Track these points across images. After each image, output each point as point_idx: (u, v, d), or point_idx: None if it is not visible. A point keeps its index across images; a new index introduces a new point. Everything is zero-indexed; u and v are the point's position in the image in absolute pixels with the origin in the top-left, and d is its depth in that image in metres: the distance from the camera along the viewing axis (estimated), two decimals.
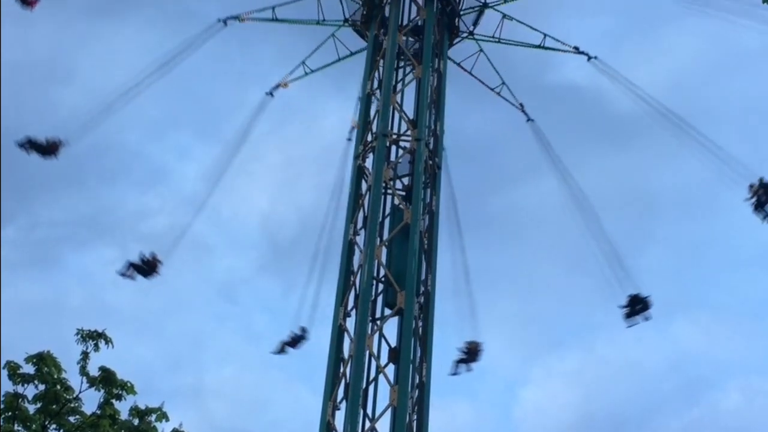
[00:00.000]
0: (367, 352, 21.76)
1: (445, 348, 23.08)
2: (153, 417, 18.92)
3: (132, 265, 24.59)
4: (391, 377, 21.56)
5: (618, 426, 46.39)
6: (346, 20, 27.46)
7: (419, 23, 25.98)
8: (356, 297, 22.57)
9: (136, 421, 18.81)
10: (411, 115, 24.66)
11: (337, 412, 21.48)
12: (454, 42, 27.55)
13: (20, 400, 18.45)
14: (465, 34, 27.78)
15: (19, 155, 25.01)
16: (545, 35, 28.22)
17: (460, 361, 23.42)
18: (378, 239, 22.94)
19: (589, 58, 28.19)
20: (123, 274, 24.62)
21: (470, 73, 28.05)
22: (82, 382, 18.85)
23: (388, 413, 21.08)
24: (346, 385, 21.55)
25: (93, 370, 18.95)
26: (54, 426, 18.55)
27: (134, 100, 26.62)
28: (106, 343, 19.15)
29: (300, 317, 25.44)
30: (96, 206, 51.96)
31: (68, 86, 53.39)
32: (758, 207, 23.94)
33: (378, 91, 24.95)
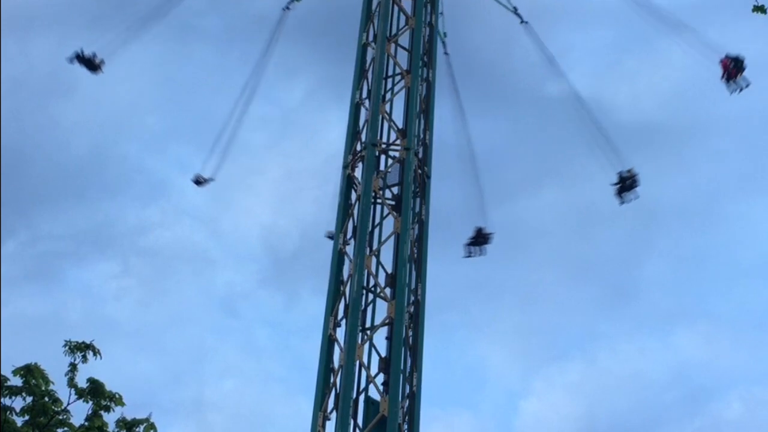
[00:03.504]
0: (358, 362, 21.72)
1: (436, 358, 23.06)
2: (141, 428, 18.86)
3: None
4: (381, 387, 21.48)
5: None
6: None
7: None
8: (346, 307, 22.55)
9: None
10: (400, 124, 24.70)
11: (328, 423, 21.45)
12: None
13: (8, 412, 18.38)
14: None
15: (20, 169, 25.54)
16: None
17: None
18: (367, 249, 22.93)
19: (522, 21, 29.59)
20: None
21: None
22: (70, 394, 18.80)
23: None
24: (336, 396, 21.52)
25: (89, 383, 18.90)
26: None
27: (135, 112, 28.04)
28: (95, 354, 19.09)
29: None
30: (96, 220, 52.17)
31: (69, 100, 53.64)
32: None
33: (367, 101, 24.99)
